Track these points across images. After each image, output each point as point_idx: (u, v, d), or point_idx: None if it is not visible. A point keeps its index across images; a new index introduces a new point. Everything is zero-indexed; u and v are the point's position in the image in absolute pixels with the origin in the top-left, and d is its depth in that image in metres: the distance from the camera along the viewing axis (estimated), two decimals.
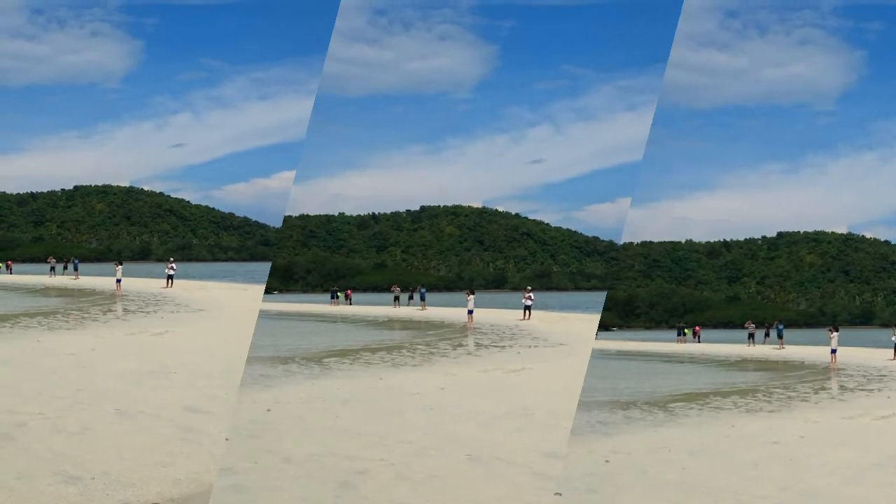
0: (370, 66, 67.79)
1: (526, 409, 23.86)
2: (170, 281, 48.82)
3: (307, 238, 71.41)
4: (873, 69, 67.65)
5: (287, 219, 70.62)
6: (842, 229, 69.87)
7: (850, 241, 69.13)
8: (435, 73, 69.83)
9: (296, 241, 70.78)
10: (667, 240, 69.58)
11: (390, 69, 68.50)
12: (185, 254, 68.57)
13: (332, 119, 68.25)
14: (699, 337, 55.21)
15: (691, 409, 27.79)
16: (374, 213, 74.12)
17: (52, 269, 56.99)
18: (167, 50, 69.08)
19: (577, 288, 69.81)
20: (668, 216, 69.71)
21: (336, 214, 73.05)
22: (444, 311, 49.29)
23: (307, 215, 72.27)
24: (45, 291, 47.88)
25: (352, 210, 73.30)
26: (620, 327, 61.18)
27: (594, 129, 70.87)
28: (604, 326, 57.21)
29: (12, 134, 68.92)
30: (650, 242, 69.49)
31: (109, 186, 73.56)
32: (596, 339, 51.42)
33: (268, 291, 59.40)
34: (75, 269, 56.69)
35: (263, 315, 45.11)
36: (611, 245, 70.51)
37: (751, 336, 51.12)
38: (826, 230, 70.18)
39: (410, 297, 54.05)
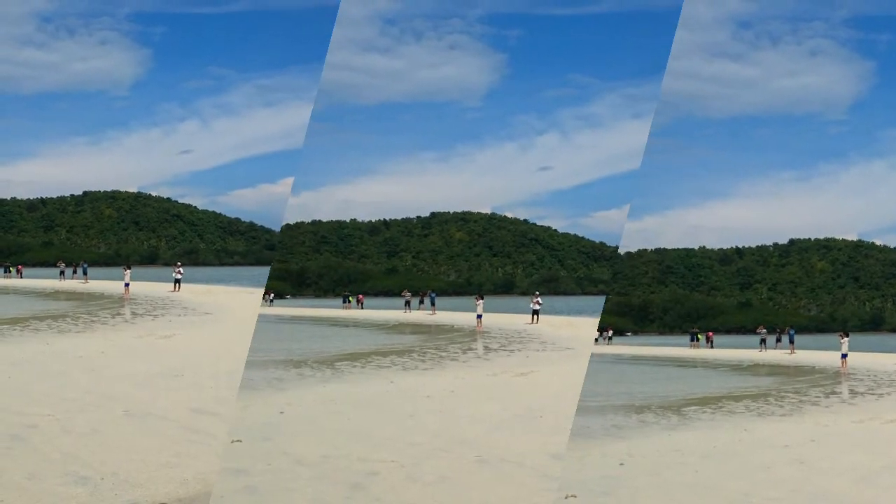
0: (382, 74, 68.06)
1: (534, 412, 23.84)
2: (177, 285, 48.79)
3: (319, 243, 71.49)
4: (883, 79, 68.01)
5: (299, 224, 70.69)
6: (852, 236, 69.87)
7: (861, 248, 69.03)
8: (445, 82, 70.09)
9: (308, 247, 70.87)
10: (680, 247, 69.59)
11: (401, 78, 68.79)
12: (192, 258, 68.58)
13: (345, 126, 68.46)
14: (712, 342, 55.09)
15: (704, 412, 27.73)
16: (385, 219, 74.22)
17: (62, 273, 57.01)
18: (175, 58, 69.43)
19: (584, 293, 69.92)
20: (682, 223, 69.80)
21: (348, 220, 73.16)
22: (453, 315, 49.31)
23: (319, 221, 72.45)
24: (54, 295, 47.88)
25: (363, 216, 73.52)
26: (635, 332, 61.17)
27: (601, 137, 71.10)
28: (618, 332, 57.35)
29: (22, 140, 69.28)
30: (664, 249, 69.46)
31: (118, 192, 73.73)
32: (612, 343, 51.90)
33: (280, 296, 59.56)
34: (84, 273, 56.81)
35: (277, 320, 45.40)
36: (617, 251, 70.61)
37: (762, 341, 51.05)
38: (837, 237, 70.19)
39: (421, 302, 53.99)
